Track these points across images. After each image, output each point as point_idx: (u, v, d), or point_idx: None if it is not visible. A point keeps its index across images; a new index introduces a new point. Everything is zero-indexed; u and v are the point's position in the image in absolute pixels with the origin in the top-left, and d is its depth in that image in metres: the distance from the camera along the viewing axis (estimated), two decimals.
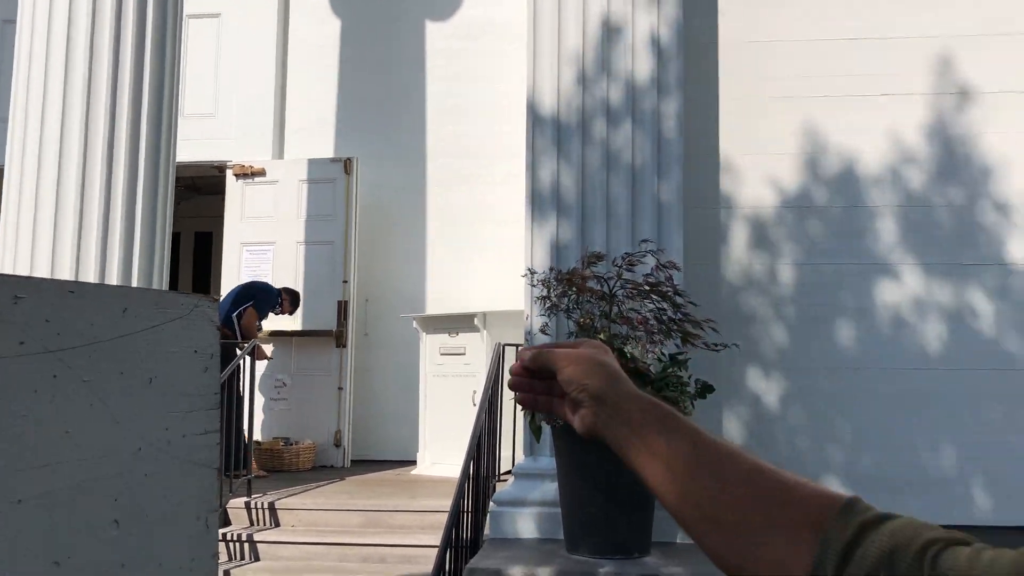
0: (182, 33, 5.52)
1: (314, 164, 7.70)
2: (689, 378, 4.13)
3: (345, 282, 7.54)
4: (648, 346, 4.00)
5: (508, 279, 6.43)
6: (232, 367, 5.71)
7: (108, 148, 4.96)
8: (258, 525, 5.45)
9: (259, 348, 6.80)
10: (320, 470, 6.96)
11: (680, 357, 4.16)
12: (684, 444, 0.79)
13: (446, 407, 6.73)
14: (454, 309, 7.14)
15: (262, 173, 7.74)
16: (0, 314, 0.95)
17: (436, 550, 3.83)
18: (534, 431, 4.16)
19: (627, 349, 3.92)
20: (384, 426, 7.56)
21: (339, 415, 7.34)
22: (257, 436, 6.49)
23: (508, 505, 4.57)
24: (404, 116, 7.90)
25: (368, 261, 7.77)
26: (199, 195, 9.77)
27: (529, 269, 4.66)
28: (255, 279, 7.25)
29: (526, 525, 4.49)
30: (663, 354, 4.14)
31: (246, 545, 5.20)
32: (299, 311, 7.36)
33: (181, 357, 1.44)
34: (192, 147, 7.24)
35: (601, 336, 3.99)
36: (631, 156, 4.83)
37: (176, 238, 8.95)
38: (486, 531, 4.57)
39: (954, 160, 5.10)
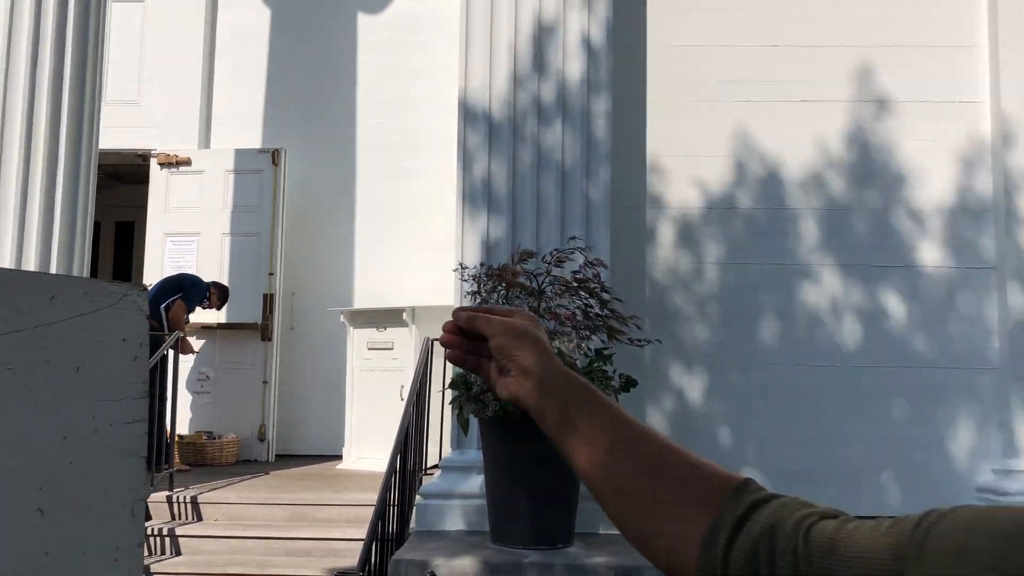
0: (106, 17, 5.39)
1: (241, 155, 7.59)
2: (614, 372, 4.22)
3: (271, 275, 7.46)
4: (575, 341, 4.08)
5: (438, 274, 6.44)
6: (155, 359, 5.61)
7: (26, 134, 4.82)
8: (180, 519, 5.37)
9: (186, 342, 6.69)
10: (244, 464, 6.88)
11: (605, 352, 4.24)
12: (603, 421, 0.84)
13: (373, 402, 6.71)
14: (382, 303, 7.12)
15: (187, 163, 7.60)
16: None
17: (362, 543, 3.83)
18: (462, 424, 4.20)
19: (555, 344, 3.98)
20: (309, 421, 7.51)
21: (264, 409, 7.26)
22: (180, 430, 6.38)
23: (434, 498, 4.59)
24: (334, 108, 7.84)
25: (295, 254, 7.69)
26: (121, 184, 9.53)
27: (460, 264, 4.69)
28: (183, 271, 7.12)
29: (452, 517, 4.52)
30: (589, 349, 4.21)
31: (167, 540, 5.12)
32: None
33: (110, 346, 1.43)
34: (115, 134, 7.07)
35: None
36: (561, 154, 4.89)
37: (96, 227, 8.72)
38: (412, 524, 4.59)
39: (872, 167, 5.29)
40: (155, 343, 5.75)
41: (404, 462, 4.56)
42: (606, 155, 4.94)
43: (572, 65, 4.95)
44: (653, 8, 5.36)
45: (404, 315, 6.68)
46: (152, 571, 4.79)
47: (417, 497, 4.68)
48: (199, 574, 4.72)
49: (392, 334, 6.78)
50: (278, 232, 7.48)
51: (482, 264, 4.57)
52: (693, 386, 5.17)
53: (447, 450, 5.01)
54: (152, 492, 5.42)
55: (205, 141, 7.96)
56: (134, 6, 7.96)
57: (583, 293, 4.25)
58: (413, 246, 7.48)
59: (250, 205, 7.52)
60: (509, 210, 4.87)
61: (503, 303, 4.29)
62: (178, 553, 5.08)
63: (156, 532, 5.15)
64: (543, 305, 4.21)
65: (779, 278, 5.22)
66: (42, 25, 4.89)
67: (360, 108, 7.85)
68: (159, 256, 7.51)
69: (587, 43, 4.96)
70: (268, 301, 7.40)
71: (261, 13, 8.02)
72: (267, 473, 6.42)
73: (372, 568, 3.75)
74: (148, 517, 5.33)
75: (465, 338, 0.95)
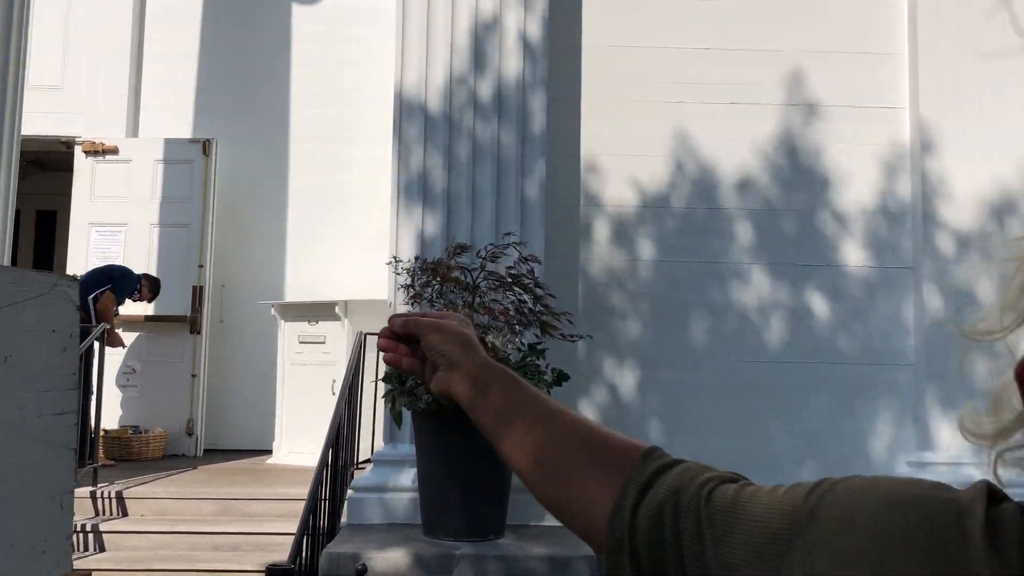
0: None
1: (171, 144, 7.44)
2: (546, 367, 4.27)
3: (201, 267, 7.34)
4: (508, 336, 4.12)
5: (371, 267, 6.42)
6: (80, 351, 5.48)
7: None
8: (104, 515, 5.26)
9: (115, 334, 6.55)
10: (171, 459, 6.76)
11: (538, 347, 4.29)
12: (523, 403, 0.91)
13: (304, 396, 6.66)
14: (315, 297, 7.07)
15: (114, 151, 7.42)
16: None
17: (292, 538, 3.81)
18: (395, 417, 4.20)
19: (488, 338, 4.02)
20: (239, 415, 7.41)
21: (192, 403, 7.15)
22: (105, 424, 6.24)
23: (366, 491, 4.59)
24: (268, 99, 7.74)
25: (226, 246, 7.58)
26: (43, 171, 9.25)
27: (394, 258, 4.69)
28: (110, 262, 6.96)
29: (384, 511, 4.53)
30: (522, 344, 4.26)
31: (91, 536, 5.01)
32: None
33: (39, 336, 1.41)
34: (37, 120, 6.86)
35: None
36: (497, 150, 4.93)
37: (16, 216, 8.45)
38: (344, 518, 4.57)
39: (800, 170, 5.43)
40: (82, 335, 5.61)
41: (336, 456, 4.55)
42: (542, 152, 4.98)
43: (509, 62, 4.99)
44: (589, 8, 5.42)
45: (337, 309, 6.64)
46: (74, 568, 4.69)
47: (349, 491, 4.67)
48: (124, 570, 4.64)
49: (324, 328, 6.73)
50: (208, 224, 7.36)
51: (416, 258, 4.58)
52: (625, 381, 5.26)
53: (379, 444, 5.01)
54: (75, 487, 5.30)
55: (133, 129, 7.78)
56: None
57: (517, 289, 4.29)
58: (346, 239, 7.44)
59: (180, 196, 7.38)
60: (444, 205, 4.88)
61: (437, 297, 4.30)
62: (102, 549, 4.97)
63: (79, 528, 5.03)
64: (477, 300, 4.24)
65: (710, 276, 5.34)
66: None
67: (294, 99, 7.77)
68: (83, 246, 7.33)
69: (524, 40, 5.00)
70: (198, 293, 7.28)
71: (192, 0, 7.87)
72: (195, 468, 6.33)
73: (303, 562, 3.73)
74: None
75: (401, 342, 1.01)
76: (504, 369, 0.95)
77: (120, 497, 5.30)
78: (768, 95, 5.44)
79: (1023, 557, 0.58)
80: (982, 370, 0.65)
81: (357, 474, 5.05)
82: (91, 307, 6.35)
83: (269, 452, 6.80)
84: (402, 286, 4.43)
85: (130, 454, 6.59)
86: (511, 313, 4.21)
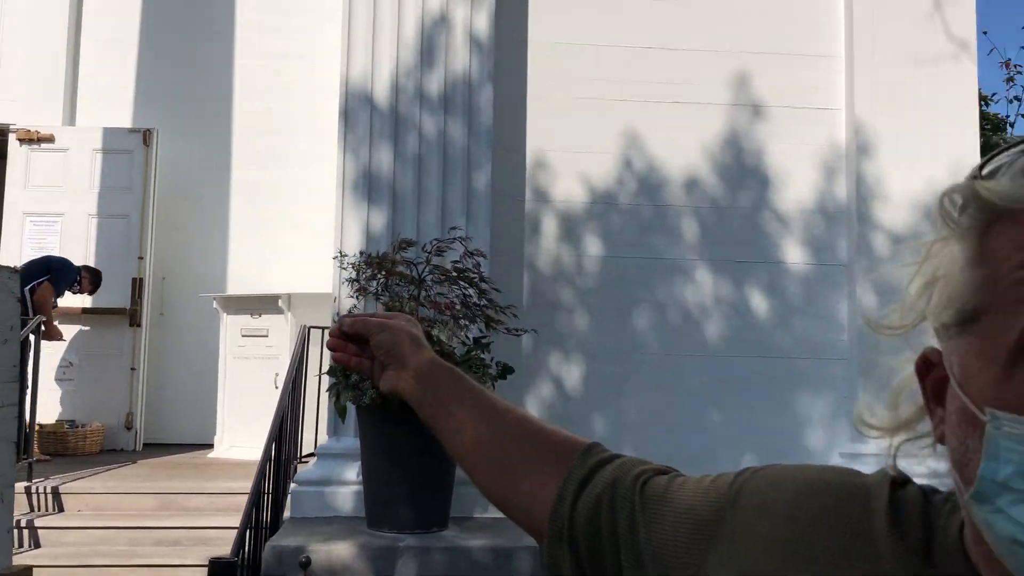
0: None
1: (110, 133, 7.30)
2: (491, 360, 4.30)
3: (141, 258, 7.22)
4: (453, 330, 4.14)
5: (315, 261, 6.38)
6: None
7: None
8: (39, 511, 5.16)
9: (53, 327, 6.40)
10: (109, 454, 6.65)
11: (483, 341, 4.32)
12: (470, 400, 0.95)
13: (247, 390, 6.60)
14: (258, 290, 7.00)
15: (50, 139, 7.25)
16: None
17: (234, 532, 3.79)
18: (339, 411, 4.20)
19: (434, 332, 4.04)
20: (179, 409, 7.31)
21: (131, 397, 7.04)
22: (41, 419, 6.11)
23: (310, 485, 4.58)
24: (210, 89, 7.63)
25: (166, 238, 7.46)
26: None
27: (340, 252, 4.68)
28: (46, 252, 6.80)
29: (328, 504, 4.52)
30: (467, 337, 4.29)
31: (25, 532, 4.91)
32: None
33: None
34: None
35: None
36: (443, 144, 4.94)
37: None
38: (287, 512, 4.56)
39: (744, 169, 5.54)
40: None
41: (280, 450, 4.53)
42: (488, 147, 5.01)
43: (457, 56, 5.00)
44: (535, 4, 5.46)
45: (280, 302, 6.59)
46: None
47: (292, 484, 4.65)
48: (62, 567, 4.55)
49: (267, 321, 6.68)
50: (149, 215, 7.24)
51: (362, 252, 4.57)
52: (570, 375, 5.32)
53: (323, 438, 4.99)
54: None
55: (70, 118, 7.61)
56: None
57: (462, 283, 4.32)
58: (290, 232, 7.37)
59: (119, 186, 7.24)
60: (390, 199, 4.88)
61: (382, 291, 4.31)
62: (37, 545, 4.88)
63: (13, 524, 4.93)
64: (423, 294, 4.26)
65: (655, 272, 5.42)
66: None
67: (237, 90, 7.67)
68: (17, 237, 7.16)
69: (472, 35, 5.02)
70: (137, 286, 7.16)
71: None
72: (134, 462, 6.23)
73: (246, 555, 3.72)
74: None
75: (350, 342, 1.04)
76: (451, 367, 0.99)
77: (56, 492, 5.21)
78: (713, 95, 5.54)
79: (923, 534, 0.64)
80: (894, 365, 0.71)
81: (300, 468, 5.03)
82: (28, 299, 6.21)
83: (210, 446, 6.73)
84: (347, 280, 4.42)
85: (66, 449, 6.46)
86: (457, 307, 4.24)
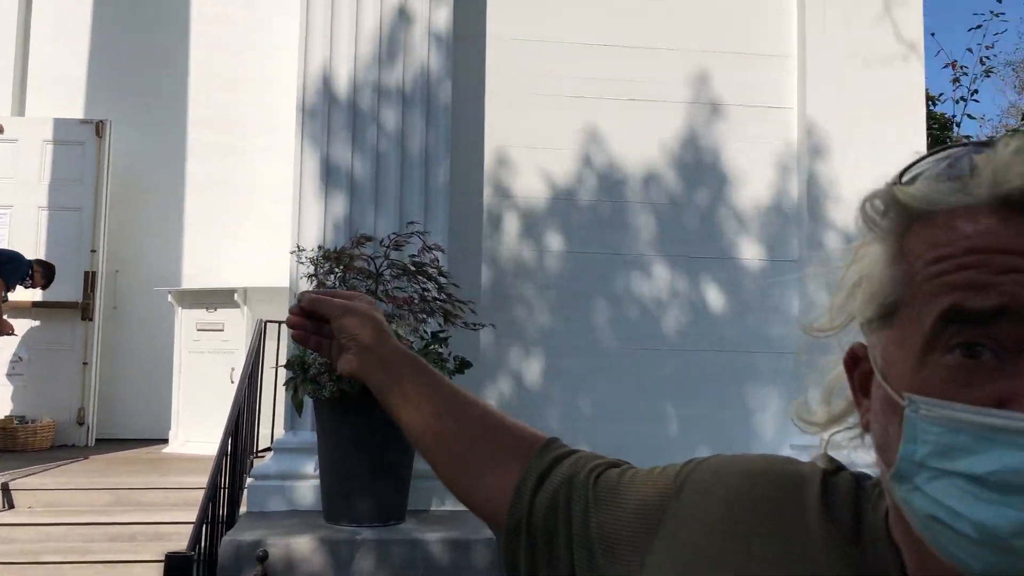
0: None
1: (61, 124, 7.17)
2: (449, 355, 4.33)
3: (93, 251, 7.10)
4: (412, 324, 4.15)
5: (272, 255, 6.34)
6: None
7: None
8: None
9: (4, 321, 6.28)
10: (61, 449, 6.55)
11: (441, 335, 4.34)
12: (433, 391, 0.96)
13: (202, 384, 6.54)
14: (213, 284, 6.94)
15: None
16: None
17: (190, 527, 3.77)
18: (296, 405, 4.19)
19: (392, 326, 4.04)
20: (133, 404, 7.22)
21: (83, 392, 6.93)
22: None
23: (267, 479, 4.56)
24: (165, 81, 7.53)
25: (120, 230, 7.36)
26: None
27: (297, 246, 4.66)
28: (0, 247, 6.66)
29: (285, 498, 4.51)
30: (426, 332, 4.30)
31: None
32: None
33: None
34: None
35: None
36: (402, 139, 4.94)
37: None
38: (243, 507, 4.54)
39: (702, 166, 5.63)
40: None
41: (236, 445, 4.51)
42: (447, 142, 5.02)
43: (414, 50, 5.00)
44: (494, 0, 5.48)
45: (236, 296, 6.54)
46: None
47: (248, 479, 4.64)
48: (13, 563, 4.49)
49: (223, 315, 6.62)
50: (102, 207, 7.13)
51: (320, 247, 4.57)
52: (530, 369, 5.36)
53: (280, 432, 4.98)
54: None
55: (20, 108, 7.46)
56: None
57: (421, 277, 4.33)
58: (245, 226, 7.32)
59: (71, 178, 7.12)
60: (348, 193, 4.88)
61: (340, 286, 4.31)
62: None
63: None
64: (381, 288, 4.27)
65: (614, 268, 5.48)
66: None
67: (192, 82, 7.58)
68: None
69: (431, 30, 5.03)
70: (90, 279, 7.06)
71: None
72: (87, 458, 6.15)
73: (202, 550, 3.70)
74: None
75: (309, 320, 1.02)
76: (415, 356, 0.99)
77: (5, 488, 5.12)
78: (671, 93, 5.61)
79: (852, 517, 0.69)
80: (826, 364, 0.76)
81: (257, 462, 5.01)
82: None
83: (165, 441, 6.66)
84: (305, 275, 4.41)
85: (15, 445, 6.35)
86: (415, 301, 4.25)
